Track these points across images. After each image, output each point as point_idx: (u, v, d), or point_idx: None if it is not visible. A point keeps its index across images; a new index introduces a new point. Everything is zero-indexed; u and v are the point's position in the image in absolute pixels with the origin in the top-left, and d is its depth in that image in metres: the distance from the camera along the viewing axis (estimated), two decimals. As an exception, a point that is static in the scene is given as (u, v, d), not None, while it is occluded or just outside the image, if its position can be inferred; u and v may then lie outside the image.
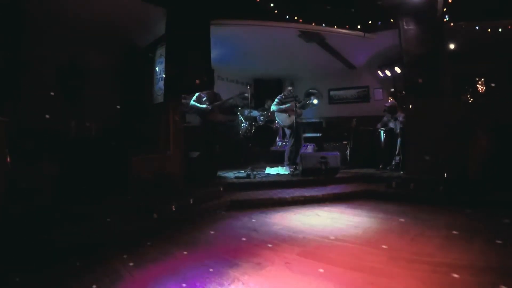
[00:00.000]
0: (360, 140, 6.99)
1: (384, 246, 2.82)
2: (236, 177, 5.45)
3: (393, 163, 6.02)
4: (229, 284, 2.20)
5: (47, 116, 4.85)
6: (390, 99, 6.80)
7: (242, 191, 4.90)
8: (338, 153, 5.71)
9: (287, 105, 6.10)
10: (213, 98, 6.00)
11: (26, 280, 2.26)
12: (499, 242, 2.78)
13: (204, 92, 5.80)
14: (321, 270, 2.38)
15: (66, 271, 2.42)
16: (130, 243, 2.97)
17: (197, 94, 5.89)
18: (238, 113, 7.73)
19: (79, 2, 4.50)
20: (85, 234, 2.97)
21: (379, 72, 7.86)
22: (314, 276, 2.28)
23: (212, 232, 3.43)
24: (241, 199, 4.56)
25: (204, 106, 5.84)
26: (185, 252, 2.80)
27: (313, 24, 5.84)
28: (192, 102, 5.90)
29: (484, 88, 6.14)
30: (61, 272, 2.40)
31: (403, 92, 6.34)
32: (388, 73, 7.60)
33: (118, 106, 6.14)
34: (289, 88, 6.35)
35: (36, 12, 4.49)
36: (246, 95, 6.65)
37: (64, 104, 5.44)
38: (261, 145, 7.00)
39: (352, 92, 9.03)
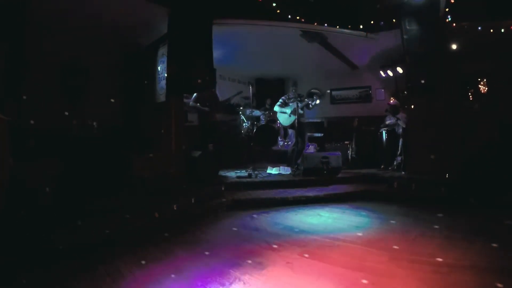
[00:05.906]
0: (362, 140, 6.98)
1: (385, 246, 2.82)
2: (238, 177, 5.46)
3: (394, 163, 6.01)
4: (230, 284, 2.21)
5: (49, 115, 4.86)
6: (392, 99, 6.78)
7: (244, 191, 4.89)
8: (340, 153, 5.70)
9: (289, 116, 6.08)
10: (212, 98, 6.01)
11: (28, 279, 2.27)
12: (500, 243, 2.78)
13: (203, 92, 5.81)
14: (323, 270, 2.38)
15: (68, 270, 2.42)
16: (131, 242, 2.98)
17: (195, 94, 5.90)
18: (240, 112, 7.74)
19: (81, 1, 4.51)
20: (86, 233, 2.98)
21: (381, 72, 7.83)
22: (315, 276, 2.29)
23: (213, 232, 3.44)
24: (242, 198, 4.56)
25: (204, 107, 5.87)
26: (186, 251, 2.81)
27: (315, 23, 5.83)
28: (191, 103, 5.92)
29: (487, 88, 6.11)
30: (63, 271, 2.41)
31: (405, 92, 6.33)
32: (390, 73, 7.56)
33: (120, 105, 6.15)
34: (292, 88, 6.34)
35: (38, 11, 4.51)
36: (242, 91, 6.62)
37: (66, 103, 5.45)
38: (262, 144, 7.00)
39: (354, 92, 9.01)
